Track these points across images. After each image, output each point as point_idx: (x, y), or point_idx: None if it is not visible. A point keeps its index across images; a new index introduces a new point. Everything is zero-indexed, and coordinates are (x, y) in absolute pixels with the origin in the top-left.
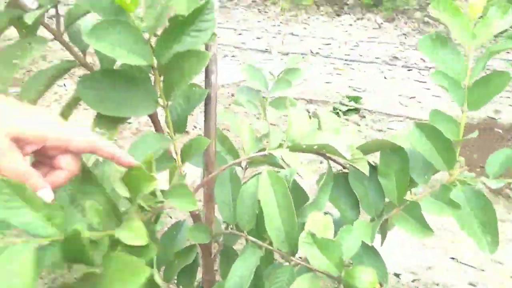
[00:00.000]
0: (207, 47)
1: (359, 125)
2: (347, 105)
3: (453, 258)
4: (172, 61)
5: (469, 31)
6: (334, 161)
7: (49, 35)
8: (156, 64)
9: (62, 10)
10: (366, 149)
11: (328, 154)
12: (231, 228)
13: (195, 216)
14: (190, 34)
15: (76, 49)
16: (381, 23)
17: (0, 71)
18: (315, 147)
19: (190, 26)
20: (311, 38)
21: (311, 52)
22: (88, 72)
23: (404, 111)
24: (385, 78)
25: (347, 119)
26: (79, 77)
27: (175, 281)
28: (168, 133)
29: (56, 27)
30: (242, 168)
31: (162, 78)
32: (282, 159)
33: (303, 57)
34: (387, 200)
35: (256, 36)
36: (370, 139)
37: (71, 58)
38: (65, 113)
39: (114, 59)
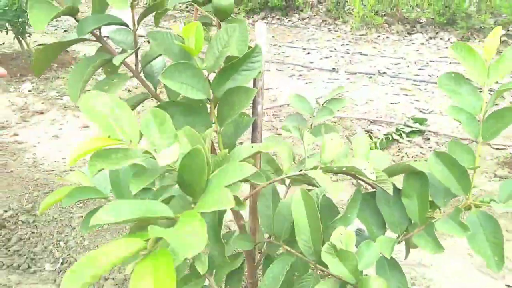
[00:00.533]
0: (254, 82)
1: (422, 147)
2: (411, 127)
3: (508, 286)
4: (225, 95)
5: (484, 70)
6: (364, 181)
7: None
8: (212, 97)
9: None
10: (391, 172)
11: (357, 175)
12: (271, 238)
13: (241, 227)
14: (241, 73)
15: (149, 84)
16: (455, 43)
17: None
18: (344, 168)
19: (241, 66)
20: (380, 58)
21: (379, 72)
22: (159, 102)
23: None
24: None
25: (410, 141)
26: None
27: (224, 283)
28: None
29: (135, 67)
30: (286, 186)
31: (216, 108)
32: (315, 179)
33: (370, 77)
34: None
35: (324, 55)
36: (432, 152)
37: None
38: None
39: (179, 92)
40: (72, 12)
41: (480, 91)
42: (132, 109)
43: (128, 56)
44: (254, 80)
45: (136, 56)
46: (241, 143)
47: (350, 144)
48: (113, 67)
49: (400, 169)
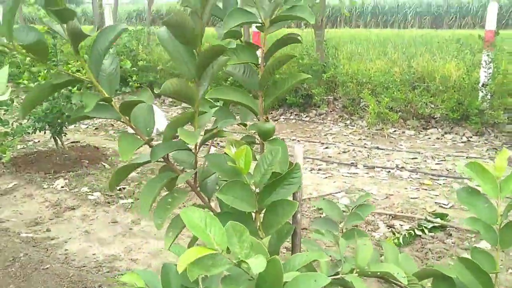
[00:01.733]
0: (294, 194)
1: (445, 243)
2: (433, 222)
3: None
4: (271, 206)
5: (496, 186)
6: (396, 284)
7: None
8: (258, 208)
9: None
10: (421, 276)
11: (390, 279)
12: None
13: None
14: (284, 187)
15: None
16: (470, 137)
17: (158, 213)
18: (378, 273)
19: (284, 182)
20: (397, 152)
21: (397, 166)
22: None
23: None
24: None
25: (432, 237)
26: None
27: None
28: None
29: (193, 182)
30: None
31: (261, 218)
32: (352, 282)
33: (388, 171)
34: None
35: (342, 149)
36: (456, 258)
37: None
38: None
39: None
40: (149, 142)
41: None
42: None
43: (190, 176)
44: (294, 192)
45: (195, 175)
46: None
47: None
48: (174, 183)
49: (428, 273)
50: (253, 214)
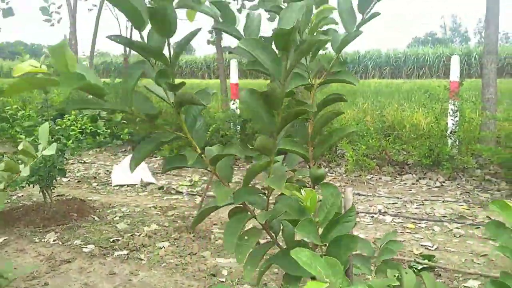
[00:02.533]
0: None
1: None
2: (421, 263)
3: None
4: (333, 241)
5: None
6: None
7: None
8: (321, 242)
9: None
10: None
11: None
12: None
13: None
14: (343, 224)
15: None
16: (443, 182)
17: (239, 250)
18: None
19: (342, 220)
20: (377, 198)
21: (380, 211)
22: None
23: (478, 268)
24: (454, 236)
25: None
26: None
27: None
28: None
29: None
30: None
31: (324, 250)
32: None
33: (372, 216)
34: None
35: None
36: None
37: None
38: None
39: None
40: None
41: None
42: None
43: (268, 216)
44: None
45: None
46: None
47: None
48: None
49: None
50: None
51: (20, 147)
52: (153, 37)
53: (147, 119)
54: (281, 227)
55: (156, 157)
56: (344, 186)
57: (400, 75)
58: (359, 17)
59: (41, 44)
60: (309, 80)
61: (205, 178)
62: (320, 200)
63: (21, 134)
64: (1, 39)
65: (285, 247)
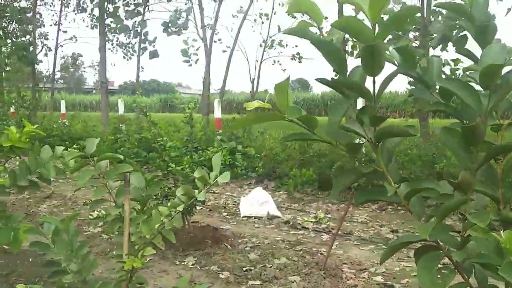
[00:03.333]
0: None
1: None
2: None
3: None
4: None
5: None
6: None
7: None
8: None
9: None
10: None
11: None
12: None
13: None
14: None
15: None
16: None
17: None
18: None
19: None
20: None
21: None
22: None
23: None
24: None
25: None
26: None
27: None
28: None
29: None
30: None
31: None
32: None
33: None
34: None
35: None
36: None
37: None
38: None
39: None
40: (421, 215)
41: None
42: None
43: (464, 255)
44: None
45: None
46: None
47: None
48: None
49: None
50: None
51: (196, 174)
52: (355, 75)
53: (349, 150)
54: (473, 269)
55: (279, 191)
56: None
57: None
58: None
59: (172, 82)
60: (496, 120)
61: (329, 215)
62: None
63: (169, 164)
64: (142, 78)
65: None
